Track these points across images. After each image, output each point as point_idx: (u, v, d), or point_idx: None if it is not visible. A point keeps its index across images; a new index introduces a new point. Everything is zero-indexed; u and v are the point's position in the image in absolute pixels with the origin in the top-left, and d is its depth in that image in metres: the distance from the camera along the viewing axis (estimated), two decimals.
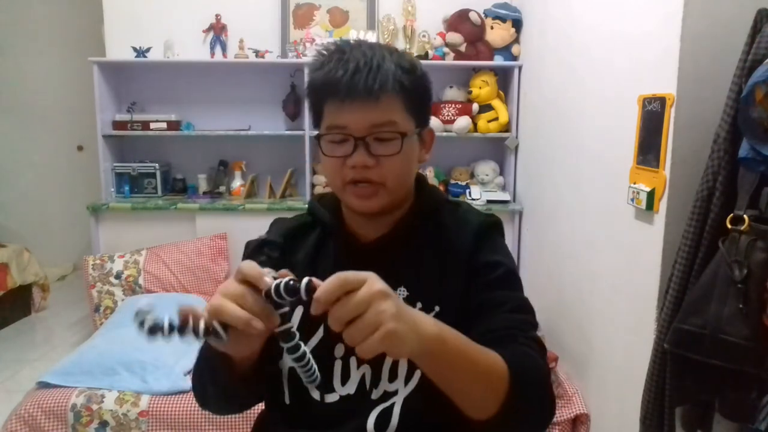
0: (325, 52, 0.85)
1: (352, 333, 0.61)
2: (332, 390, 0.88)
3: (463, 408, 0.73)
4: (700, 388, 1.36)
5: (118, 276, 2.89)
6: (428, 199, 0.95)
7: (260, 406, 0.97)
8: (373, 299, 0.61)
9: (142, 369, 2.13)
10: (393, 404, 0.85)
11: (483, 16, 3.15)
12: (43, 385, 2.10)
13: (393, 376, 0.86)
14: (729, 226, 1.27)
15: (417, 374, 0.85)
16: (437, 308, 0.86)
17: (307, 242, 0.95)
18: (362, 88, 0.79)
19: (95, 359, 2.19)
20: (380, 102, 0.80)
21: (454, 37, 3.12)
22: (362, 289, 0.61)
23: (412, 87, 0.84)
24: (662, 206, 1.58)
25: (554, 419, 2.06)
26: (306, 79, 3.06)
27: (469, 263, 0.87)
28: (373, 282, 0.62)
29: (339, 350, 0.87)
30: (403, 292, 0.87)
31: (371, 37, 3.19)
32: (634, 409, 1.53)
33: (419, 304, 0.86)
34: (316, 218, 0.96)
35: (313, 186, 3.24)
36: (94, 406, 2.02)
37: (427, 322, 0.67)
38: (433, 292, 0.87)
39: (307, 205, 1.01)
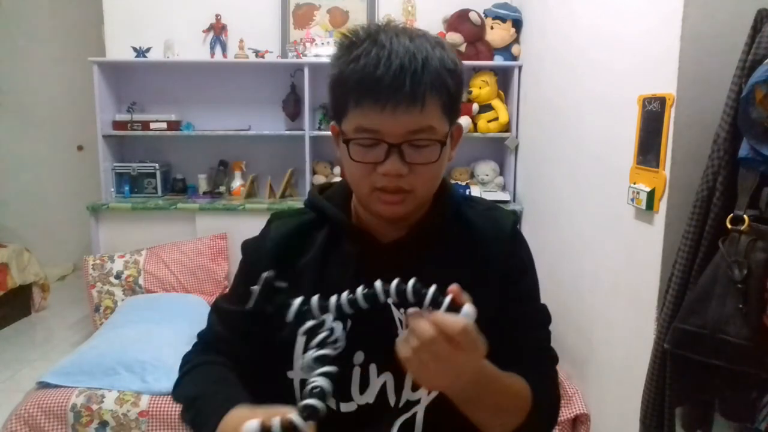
0: (355, 39, 0.74)
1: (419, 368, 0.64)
2: (350, 398, 0.82)
3: (480, 426, 0.78)
4: (700, 388, 1.36)
5: (118, 276, 2.89)
6: (451, 196, 0.87)
7: None
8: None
9: (142, 369, 2.13)
10: (415, 414, 0.81)
11: (483, 16, 3.15)
12: (43, 385, 2.10)
13: (416, 386, 0.81)
14: (729, 226, 1.27)
15: None
16: None
17: (314, 243, 0.85)
18: (408, 92, 0.69)
19: (95, 359, 2.19)
20: (423, 107, 0.71)
21: (454, 37, 3.12)
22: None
23: (454, 88, 0.75)
24: (662, 206, 1.58)
25: None
26: (305, 74, 3.09)
27: (502, 270, 0.84)
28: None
29: (358, 357, 0.82)
30: None
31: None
32: (634, 409, 1.53)
33: None
34: (323, 215, 0.86)
35: (312, 186, 3.24)
36: (94, 406, 2.02)
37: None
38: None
39: (306, 199, 0.91)
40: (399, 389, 0.81)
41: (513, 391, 0.78)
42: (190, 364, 0.90)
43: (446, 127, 0.76)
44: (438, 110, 0.73)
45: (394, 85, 0.69)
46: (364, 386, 0.82)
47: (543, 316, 0.90)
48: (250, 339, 0.86)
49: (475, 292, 0.80)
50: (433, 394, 0.81)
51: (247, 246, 0.91)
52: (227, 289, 3.17)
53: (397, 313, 0.81)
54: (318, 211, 0.87)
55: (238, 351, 0.88)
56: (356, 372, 0.82)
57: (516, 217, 0.93)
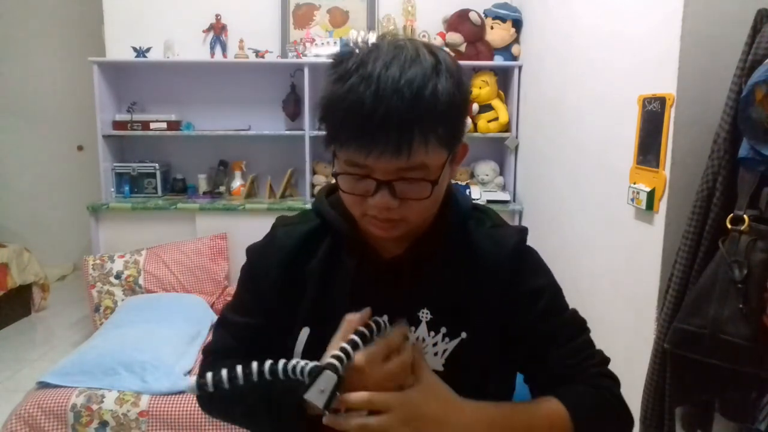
0: (344, 69, 0.69)
1: None
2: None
3: None
4: (700, 388, 1.36)
5: (118, 276, 2.89)
6: (456, 210, 0.84)
7: None
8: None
9: (142, 369, 2.13)
10: None
11: (483, 16, 3.15)
12: (43, 385, 2.10)
13: None
14: (729, 226, 1.27)
15: None
16: (464, 335, 0.80)
17: (319, 250, 0.85)
18: (394, 140, 0.65)
19: (95, 359, 2.19)
20: (411, 151, 0.67)
21: (454, 37, 3.12)
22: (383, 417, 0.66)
23: (453, 118, 0.70)
24: (662, 206, 1.58)
25: None
26: (305, 74, 3.09)
27: (508, 292, 0.81)
28: (397, 414, 0.66)
29: None
30: (426, 314, 0.80)
31: (371, 38, 3.19)
32: (634, 409, 1.52)
33: (443, 329, 0.80)
34: (327, 224, 0.85)
35: (312, 186, 3.24)
36: (94, 406, 2.01)
37: (475, 425, 0.70)
38: (460, 317, 0.80)
39: (312, 203, 0.90)
40: None
41: (541, 423, 0.75)
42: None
43: (444, 156, 0.71)
44: (432, 144, 0.68)
45: (380, 130, 0.65)
46: None
47: (571, 328, 0.84)
48: (259, 349, 0.85)
49: (472, 314, 0.80)
50: None
51: (253, 251, 0.89)
52: (228, 289, 3.14)
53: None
54: (323, 218, 0.86)
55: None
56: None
57: (522, 235, 0.85)
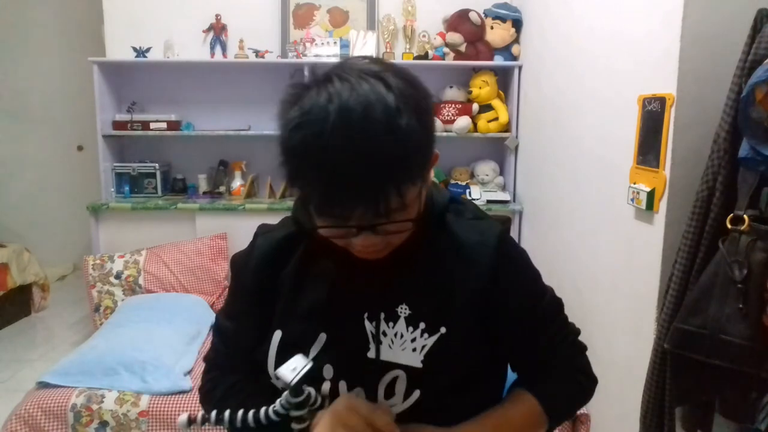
0: (296, 103, 0.66)
1: None
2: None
3: None
4: (700, 388, 1.36)
5: (118, 276, 2.89)
6: (432, 206, 0.82)
7: None
8: None
9: (142, 369, 2.13)
10: None
11: (483, 16, 3.15)
12: (43, 385, 2.10)
13: (389, 394, 0.79)
14: (729, 226, 1.27)
15: (416, 393, 0.78)
16: (443, 329, 0.78)
17: (294, 255, 0.85)
18: (368, 202, 0.64)
19: (95, 359, 2.19)
20: (389, 206, 0.66)
21: (454, 37, 3.12)
22: None
23: (421, 159, 0.67)
24: (662, 206, 1.58)
25: None
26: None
27: (491, 284, 0.80)
28: None
29: (328, 371, 0.80)
30: (405, 310, 0.79)
31: (371, 38, 3.19)
32: (634, 409, 1.53)
33: (422, 324, 0.79)
34: (301, 229, 0.84)
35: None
36: (94, 406, 2.02)
37: None
38: (438, 312, 0.79)
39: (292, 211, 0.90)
40: (372, 401, 0.79)
41: (524, 424, 0.83)
42: (223, 387, 0.89)
43: (420, 184, 0.69)
44: (407, 189, 0.66)
45: (352, 198, 0.64)
46: (334, 399, 0.80)
47: (549, 311, 0.88)
48: (247, 352, 0.87)
49: (454, 307, 0.79)
50: (408, 402, 0.79)
51: (236, 261, 0.92)
52: (225, 291, 3.16)
53: (369, 327, 0.80)
54: (297, 224, 0.85)
55: (247, 366, 0.89)
56: (326, 386, 0.80)
57: (503, 227, 0.84)
